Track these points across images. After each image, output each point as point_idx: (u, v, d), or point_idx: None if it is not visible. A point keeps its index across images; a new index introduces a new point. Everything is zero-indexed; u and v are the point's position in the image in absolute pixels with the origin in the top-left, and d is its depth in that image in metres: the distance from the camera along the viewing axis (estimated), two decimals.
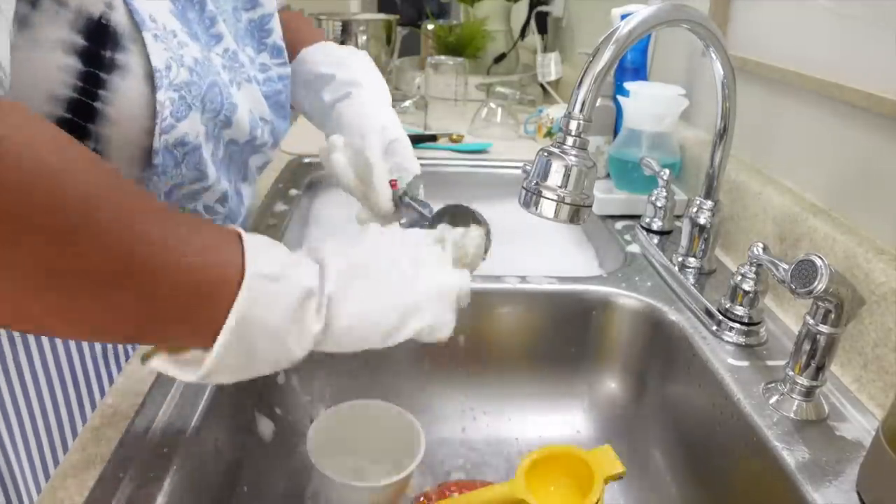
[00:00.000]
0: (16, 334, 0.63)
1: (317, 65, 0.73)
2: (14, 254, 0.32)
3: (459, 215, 0.58)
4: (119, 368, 0.67)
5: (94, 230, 0.34)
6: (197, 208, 0.60)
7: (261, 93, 0.63)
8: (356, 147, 0.64)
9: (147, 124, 0.49)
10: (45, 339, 0.64)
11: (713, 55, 0.62)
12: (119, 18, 0.46)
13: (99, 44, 0.45)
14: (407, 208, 0.63)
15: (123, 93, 0.47)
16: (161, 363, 0.40)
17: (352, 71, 0.72)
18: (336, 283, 0.42)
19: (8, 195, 0.31)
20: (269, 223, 0.86)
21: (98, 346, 0.66)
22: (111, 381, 0.67)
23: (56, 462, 0.66)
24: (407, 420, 0.62)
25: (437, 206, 0.61)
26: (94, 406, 0.66)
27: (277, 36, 0.68)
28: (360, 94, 0.70)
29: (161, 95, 0.48)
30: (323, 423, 0.61)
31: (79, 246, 0.33)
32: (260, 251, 0.40)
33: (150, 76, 0.48)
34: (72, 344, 0.65)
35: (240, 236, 0.40)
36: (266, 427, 0.66)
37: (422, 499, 0.63)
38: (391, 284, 0.44)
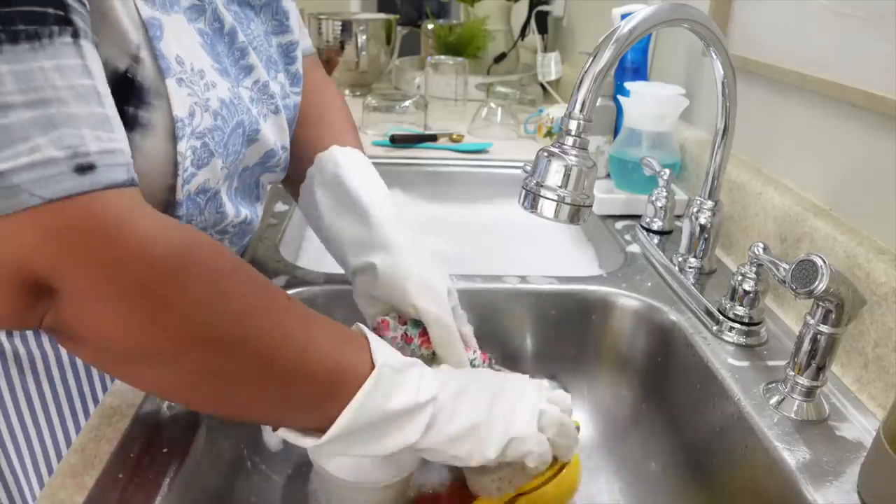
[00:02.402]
0: (15, 335, 0.63)
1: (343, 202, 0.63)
2: (184, 359, 0.39)
3: None
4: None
5: (249, 343, 0.41)
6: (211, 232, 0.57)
7: (287, 120, 0.60)
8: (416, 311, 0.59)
9: (167, 182, 0.46)
10: (45, 340, 0.64)
11: (713, 55, 0.62)
12: (146, 73, 0.43)
13: (123, 100, 0.43)
14: None
15: (144, 151, 0.44)
16: (286, 432, 0.45)
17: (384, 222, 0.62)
18: (447, 398, 0.47)
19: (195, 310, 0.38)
20: (270, 223, 0.86)
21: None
22: (112, 380, 0.67)
23: (57, 461, 0.66)
24: None
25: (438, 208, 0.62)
26: (94, 405, 0.66)
27: (300, 64, 0.65)
28: (401, 254, 0.60)
29: (182, 146, 0.45)
30: None
31: (235, 356, 0.40)
32: (385, 350, 0.47)
33: (173, 132, 0.45)
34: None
35: (366, 337, 0.47)
36: (283, 442, 0.65)
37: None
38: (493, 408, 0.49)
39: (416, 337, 0.58)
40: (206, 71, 0.47)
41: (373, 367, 0.44)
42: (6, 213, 0.34)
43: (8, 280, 0.36)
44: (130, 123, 0.43)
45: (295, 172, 0.66)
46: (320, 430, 0.43)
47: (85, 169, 0.36)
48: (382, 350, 0.46)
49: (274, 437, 0.66)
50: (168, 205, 0.47)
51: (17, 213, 0.34)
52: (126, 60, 0.42)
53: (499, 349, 0.75)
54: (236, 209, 0.57)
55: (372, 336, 0.47)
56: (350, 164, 0.64)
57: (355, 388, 0.43)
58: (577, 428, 0.54)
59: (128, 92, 0.43)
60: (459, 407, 0.47)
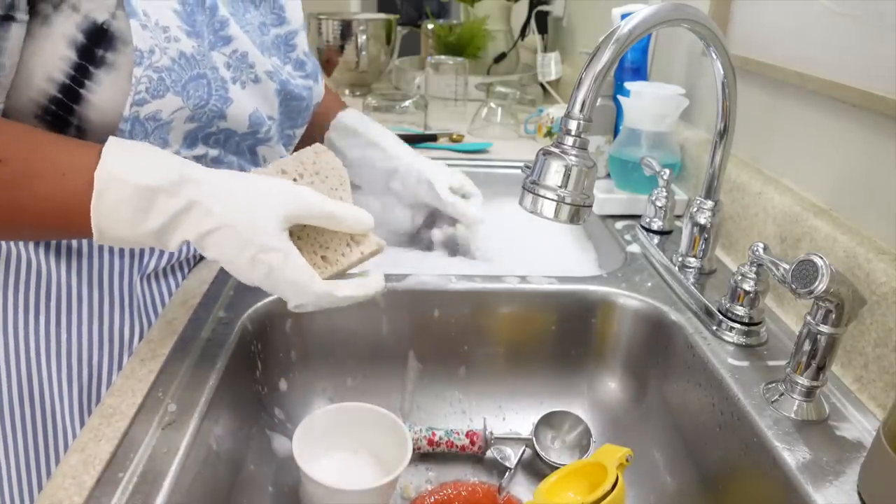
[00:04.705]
0: (11, 351, 0.64)
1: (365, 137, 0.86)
2: None
3: (558, 419, 0.70)
4: (120, 367, 0.67)
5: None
6: None
7: (275, 92, 0.69)
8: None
9: (122, 112, 0.57)
10: (42, 355, 0.64)
11: (713, 55, 0.62)
12: (120, 26, 0.54)
13: (95, 43, 0.54)
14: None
15: (106, 85, 0.55)
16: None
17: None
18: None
19: None
20: None
21: (95, 359, 0.66)
22: (110, 382, 0.67)
23: (57, 461, 0.66)
24: (394, 424, 0.62)
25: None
26: (95, 405, 0.66)
27: (301, 51, 0.77)
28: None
29: (138, 72, 0.55)
30: (310, 426, 0.61)
31: None
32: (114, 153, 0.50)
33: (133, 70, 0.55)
34: (73, 344, 0.65)
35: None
36: (281, 444, 0.66)
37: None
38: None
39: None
40: (170, 28, 0.57)
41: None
42: None
43: None
44: (98, 62, 0.55)
45: (313, 138, 0.83)
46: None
47: None
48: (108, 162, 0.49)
49: (278, 443, 0.66)
50: (121, 120, 0.57)
51: None
52: (104, 15, 0.54)
53: (499, 349, 0.75)
54: (181, 150, 0.64)
55: (112, 141, 0.50)
56: (356, 119, 0.86)
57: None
58: (630, 457, 0.58)
59: (101, 38, 0.54)
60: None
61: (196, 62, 0.59)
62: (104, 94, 0.55)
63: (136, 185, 0.47)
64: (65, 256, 0.64)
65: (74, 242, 0.64)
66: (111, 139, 0.50)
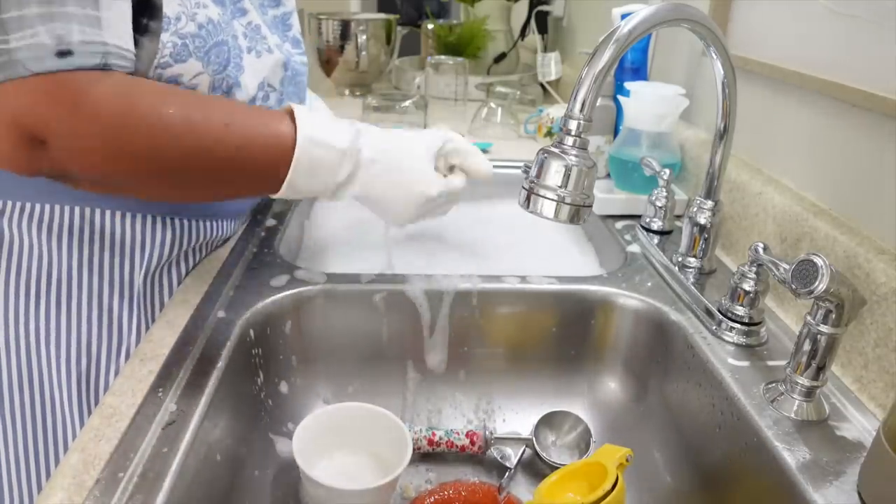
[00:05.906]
0: (11, 336, 0.63)
1: None
2: (146, 181, 0.58)
3: (558, 419, 0.71)
4: (118, 355, 0.67)
5: (192, 163, 0.57)
6: None
7: (281, 65, 0.73)
8: None
9: (147, 73, 0.60)
10: (42, 340, 0.64)
11: (714, 55, 0.62)
12: None
13: (141, 13, 0.57)
14: None
15: (147, 48, 0.58)
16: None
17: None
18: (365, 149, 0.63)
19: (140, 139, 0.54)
20: (269, 224, 0.86)
21: (94, 347, 0.66)
22: (108, 369, 0.67)
23: (56, 462, 0.66)
24: (394, 424, 0.62)
25: None
26: (93, 392, 0.67)
27: (296, 31, 0.81)
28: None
29: (164, 37, 0.58)
30: (310, 426, 0.61)
31: (180, 173, 0.57)
32: (307, 120, 0.60)
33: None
34: (72, 330, 0.65)
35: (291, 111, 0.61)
36: (281, 444, 0.66)
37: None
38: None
39: None
40: None
41: (293, 134, 0.59)
42: (9, 79, 0.49)
43: (8, 131, 0.50)
44: (142, 29, 0.57)
45: None
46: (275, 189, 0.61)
47: (64, 53, 0.50)
48: (305, 120, 0.60)
49: (279, 443, 0.66)
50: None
51: (15, 80, 0.49)
52: None
53: (499, 349, 0.75)
54: None
55: (298, 108, 0.61)
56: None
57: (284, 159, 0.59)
58: (630, 457, 0.58)
59: (145, 7, 0.57)
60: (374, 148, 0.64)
61: (221, 29, 0.62)
62: (144, 56, 0.58)
63: (336, 147, 0.60)
64: (66, 241, 0.64)
65: (76, 228, 0.64)
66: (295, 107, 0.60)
